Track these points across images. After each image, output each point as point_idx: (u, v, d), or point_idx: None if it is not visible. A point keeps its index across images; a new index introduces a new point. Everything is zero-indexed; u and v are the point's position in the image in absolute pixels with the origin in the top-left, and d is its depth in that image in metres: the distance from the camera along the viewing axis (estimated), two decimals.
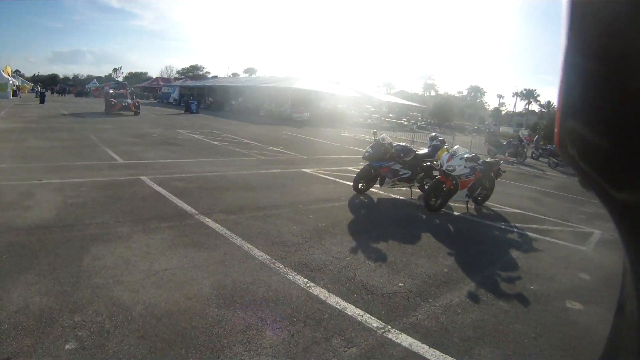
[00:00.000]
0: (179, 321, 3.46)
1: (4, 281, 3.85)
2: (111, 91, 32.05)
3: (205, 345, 3.21)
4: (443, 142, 9.69)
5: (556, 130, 0.40)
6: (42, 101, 37.53)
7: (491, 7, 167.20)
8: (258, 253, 5.11)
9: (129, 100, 28.82)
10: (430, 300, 4.38)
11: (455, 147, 8.71)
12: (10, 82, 51.35)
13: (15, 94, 51.45)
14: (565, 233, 7.86)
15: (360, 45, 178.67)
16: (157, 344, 3.15)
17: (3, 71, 50.47)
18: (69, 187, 7.38)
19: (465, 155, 8.08)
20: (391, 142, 8.89)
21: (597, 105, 0.35)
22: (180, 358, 3.03)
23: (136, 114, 27.73)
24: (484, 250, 6.34)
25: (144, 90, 58.29)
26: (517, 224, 7.98)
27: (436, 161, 9.00)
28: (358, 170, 9.15)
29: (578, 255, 6.66)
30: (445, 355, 3.41)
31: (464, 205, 8.58)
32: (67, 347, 3.03)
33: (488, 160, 9.36)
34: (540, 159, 24.72)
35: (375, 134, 9.36)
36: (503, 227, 7.68)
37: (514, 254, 6.30)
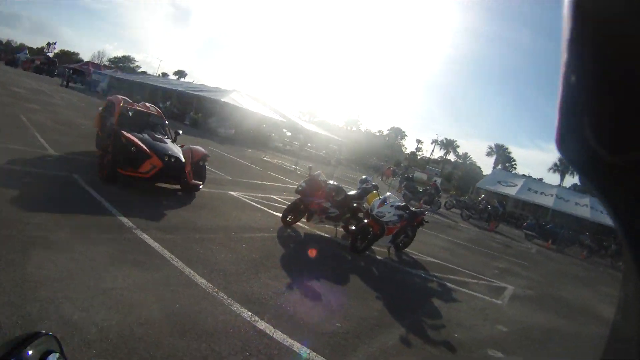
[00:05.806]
0: (138, 350, 3.55)
1: None
2: (127, 108, 10.65)
3: None
4: (375, 187, 10.51)
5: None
6: None
7: (425, 52, 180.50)
8: (200, 280, 5.28)
9: (178, 155, 9.18)
10: (366, 341, 4.90)
11: (388, 194, 9.55)
12: None
13: None
14: (481, 286, 8.98)
15: (290, 68, 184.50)
16: None
17: None
18: None
19: (397, 204, 8.90)
20: (325, 180, 9.44)
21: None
22: None
23: (187, 190, 9.54)
24: (409, 297, 7.19)
25: (72, 72, 54.41)
26: (435, 274, 8.94)
27: (365, 204, 9.74)
28: (283, 200, 9.58)
29: (494, 308, 7.69)
30: None
31: (386, 250, 9.35)
32: None
33: (414, 209, 10.18)
34: (453, 209, 26.94)
35: (311, 169, 10.02)
36: (423, 275, 8.60)
37: (436, 302, 7.17)
